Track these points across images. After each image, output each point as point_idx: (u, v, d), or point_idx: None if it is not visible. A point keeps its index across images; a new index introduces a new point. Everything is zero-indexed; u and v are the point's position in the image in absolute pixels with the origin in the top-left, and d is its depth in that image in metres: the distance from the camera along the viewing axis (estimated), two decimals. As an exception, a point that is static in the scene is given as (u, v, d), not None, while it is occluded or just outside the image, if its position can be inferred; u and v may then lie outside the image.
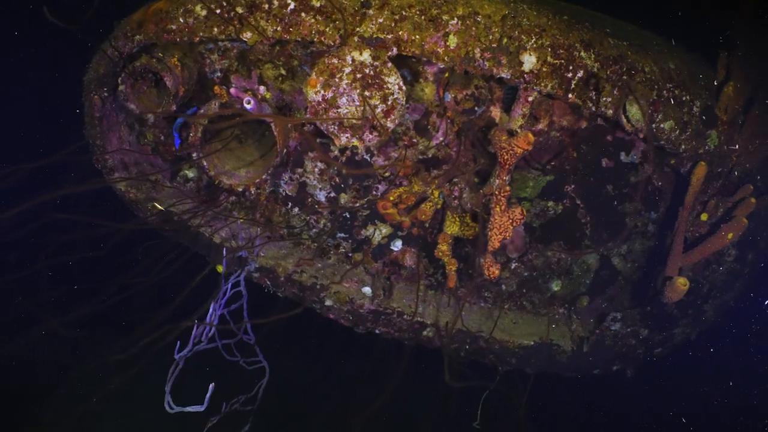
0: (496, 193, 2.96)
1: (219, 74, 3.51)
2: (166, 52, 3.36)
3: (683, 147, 3.17)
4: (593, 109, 3.08)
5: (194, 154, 3.47)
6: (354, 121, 3.03)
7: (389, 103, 3.03)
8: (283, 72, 3.40)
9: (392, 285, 3.72)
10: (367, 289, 3.62)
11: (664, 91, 3.12)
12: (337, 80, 2.98)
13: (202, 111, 3.35)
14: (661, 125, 3.15)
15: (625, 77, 3.08)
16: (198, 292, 4.22)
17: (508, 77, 3.02)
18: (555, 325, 3.76)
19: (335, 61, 2.97)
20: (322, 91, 3.02)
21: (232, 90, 3.24)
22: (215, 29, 3.10)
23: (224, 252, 3.38)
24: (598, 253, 3.66)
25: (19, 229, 3.15)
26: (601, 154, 3.45)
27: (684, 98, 3.17)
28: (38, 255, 3.45)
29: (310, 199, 3.66)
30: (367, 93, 2.98)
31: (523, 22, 3.00)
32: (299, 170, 3.60)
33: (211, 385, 2.91)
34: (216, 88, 3.28)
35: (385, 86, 3.00)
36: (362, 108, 3.00)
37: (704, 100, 3.21)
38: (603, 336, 3.61)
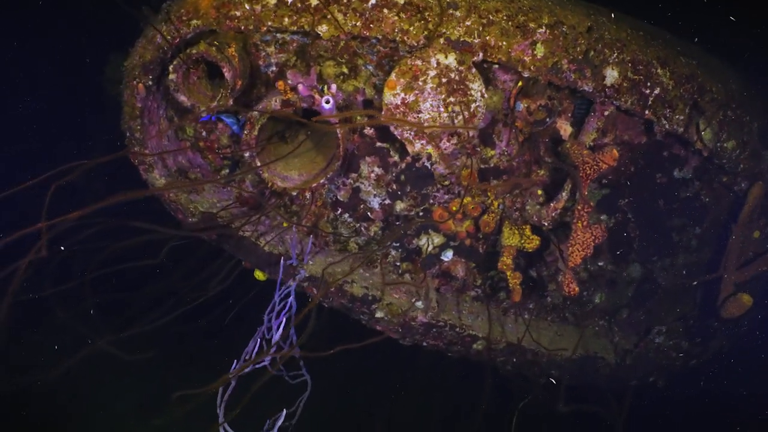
0: (579, 208, 2.91)
1: (274, 68, 3.27)
2: (221, 41, 3.08)
3: (742, 166, 3.25)
4: (666, 126, 3.10)
5: (246, 153, 3.21)
6: (435, 128, 2.90)
7: (471, 110, 2.93)
8: (345, 70, 3.21)
9: (442, 297, 3.60)
10: (419, 303, 3.48)
11: (729, 111, 3.19)
12: (420, 83, 2.84)
13: (260, 107, 3.10)
14: (725, 144, 3.21)
15: (696, 96, 3.11)
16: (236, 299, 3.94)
17: (590, 90, 2.99)
18: (597, 338, 3.76)
19: (419, 62, 2.83)
20: (402, 94, 2.87)
21: (300, 87, 3.02)
22: (286, 19, 2.89)
23: (282, 261, 3.15)
24: (641, 266, 3.70)
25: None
26: (656, 169, 3.48)
27: (744, 118, 3.25)
28: (77, 264, 3.07)
29: (362, 206, 3.48)
30: (451, 99, 2.86)
31: (605, 36, 2.98)
32: (354, 175, 3.41)
33: (283, 412, 2.68)
34: (280, 83, 3.05)
35: (468, 93, 2.89)
36: (446, 114, 2.87)
37: (762, 120, 3.31)
38: (647, 348, 3.66)
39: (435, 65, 2.83)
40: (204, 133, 3.51)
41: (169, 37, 3.01)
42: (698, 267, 3.71)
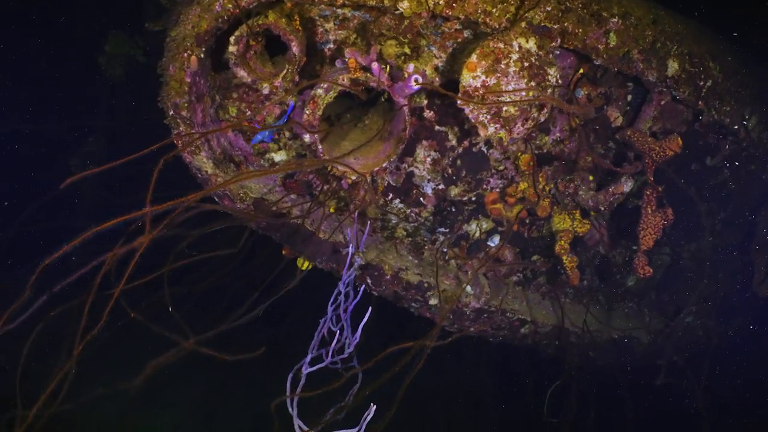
0: (648, 193, 3.04)
1: (331, 46, 3.17)
2: (282, 14, 2.93)
3: (774, 155, 3.50)
4: (715, 116, 3.28)
5: (307, 136, 3.09)
6: (513, 111, 2.92)
7: (547, 93, 2.95)
8: (407, 51, 3.16)
9: (491, 282, 3.64)
10: (469, 288, 3.50)
11: (764, 106, 3.43)
12: (503, 66, 2.85)
13: (325, 86, 2.99)
14: (761, 135, 3.44)
15: (740, 89, 3.32)
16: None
17: (653, 80, 3.10)
18: (628, 319, 3.95)
19: (501, 45, 2.84)
20: (483, 77, 2.87)
21: (374, 66, 2.93)
22: (364, -10, 2.78)
23: (350, 249, 3.06)
24: (671, 249, 3.92)
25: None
26: (692, 157, 3.68)
27: (779, 112, 3.49)
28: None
29: (415, 191, 3.45)
30: (532, 83, 2.88)
31: (666, 28, 3.11)
32: (409, 159, 3.37)
33: (373, 407, 2.61)
34: (351, 61, 2.95)
35: (546, 78, 2.93)
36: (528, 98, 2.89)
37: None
38: (677, 328, 3.88)
39: (517, 49, 2.84)
40: (249, 113, 3.34)
41: (230, 6, 2.82)
42: (722, 250, 3.97)
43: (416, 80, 2.87)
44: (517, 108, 2.92)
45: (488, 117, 2.98)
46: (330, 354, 2.77)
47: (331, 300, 3.09)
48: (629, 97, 3.47)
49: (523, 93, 2.90)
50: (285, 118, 3.21)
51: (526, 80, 2.89)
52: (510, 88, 2.89)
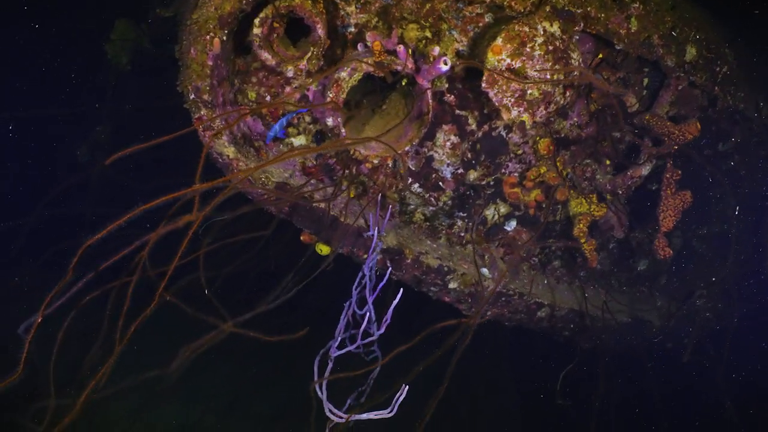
0: (668, 176, 3.10)
1: (353, 29, 3.18)
2: (307, -3, 2.93)
3: (785, 141, 3.58)
4: (730, 101, 3.34)
5: (330, 120, 3.10)
6: (537, 94, 2.95)
7: (569, 79, 2.99)
8: (429, 35, 3.18)
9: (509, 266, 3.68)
10: (485, 270, 3.54)
11: (778, 91, 3.50)
12: (528, 50, 2.88)
13: (349, 69, 3.00)
14: (774, 120, 3.51)
15: (754, 74, 3.38)
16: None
17: (672, 66, 3.16)
18: (640, 303, 4.02)
19: (526, 29, 2.87)
20: (509, 60, 2.90)
21: (399, 49, 2.95)
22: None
23: (374, 233, 3.08)
24: (682, 234, 3.98)
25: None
26: (704, 143, 3.74)
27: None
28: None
29: (434, 175, 3.47)
30: (557, 67, 2.92)
31: (684, 14, 3.16)
32: (429, 143, 3.40)
33: (405, 387, 2.64)
34: (377, 44, 2.96)
35: (570, 62, 2.96)
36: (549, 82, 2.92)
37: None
38: (689, 312, 3.96)
39: (542, 33, 2.88)
40: (268, 98, 3.34)
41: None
42: (731, 235, 4.04)
43: (445, 61, 2.88)
44: (541, 92, 2.96)
45: (512, 100, 3.01)
46: (360, 336, 2.79)
47: (355, 283, 3.11)
48: (645, 82, 3.52)
49: (548, 77, 2.94)
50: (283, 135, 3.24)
51: (550, 64, 2.93)
52: (535, 71, 2.92)
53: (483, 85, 2.98)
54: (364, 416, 2.69)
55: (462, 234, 3.69)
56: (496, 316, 3.73)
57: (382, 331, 2.77)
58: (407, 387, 2.64)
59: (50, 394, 2.40)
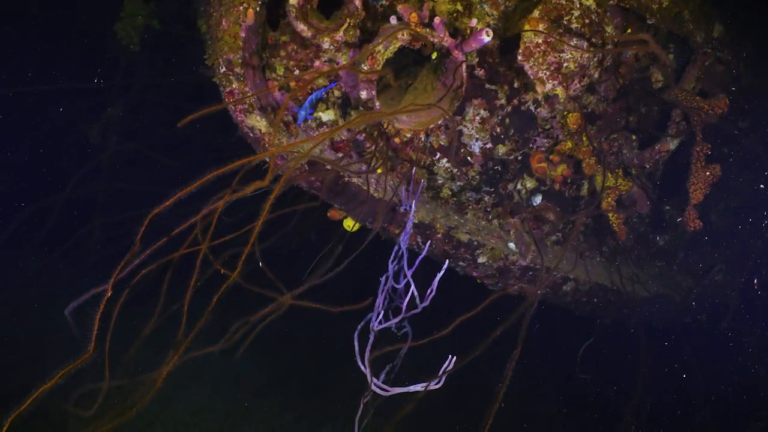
0: (697, 150, 3.15)
1: (383, 2, 3.17)
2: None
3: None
4: (752, 79, 3.39)
5: (364, 92, 3.10)
6: (573, 67, 2.98)
7: (604, 53, 3.02)
8: (460, 8, 3.20)
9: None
10: (512, 245, 3.58)
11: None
12: (565, 23, 2.89)
13: (383, 41, 2.99)
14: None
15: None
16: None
17: (701, 41, 3.20)
18: (660, 278, 4.09)
19: (563, 2, 2.89)
20: (546, 32, 2.90)
21: (436, 21, 2.95)
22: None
23: (411, 206, 3.10)
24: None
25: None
26: (726, 119, 3.80)
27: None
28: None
29: (463, 150, 3.49)
30: (593, 40, 2.94)
31: (712, -9, 3.19)
32: (458, 118, 3.41)
33: (452, 358, 2.65)
34: (413, 15, 2.96)
35: (604, 35, 2.99)
36: (587, 56, 2.95)
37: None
38: (708, 286, 4.03)
39: (578, 6, 2.90)
40: (297, 72, 3.32)
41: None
42: (747, 209, 4.12)
43: (488, 32, 2.89)
44: (577, 65, 2.98)
45: (547, 73, 3.04)
46: (404, 309, 2.80)
47: (391, 257, 3.12)
48: (671, 58, 3.56)
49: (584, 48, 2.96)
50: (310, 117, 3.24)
51: (588, 36, 2.95)
52: (571, 44, 2.95)
53: (519, 57, 3.00)
54: (411, 388, 2.71)
55: (488, 209, 3.72)
56: (521, 291, 3.77)
57: (426, 303, 2.78)
58: (455, 358, 2.66)
59: (103, 378, 2.37)
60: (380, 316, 2.95)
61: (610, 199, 3.51)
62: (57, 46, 5.40)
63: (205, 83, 3.63)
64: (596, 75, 3.12)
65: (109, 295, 1.90)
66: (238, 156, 2.66)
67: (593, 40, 2.96)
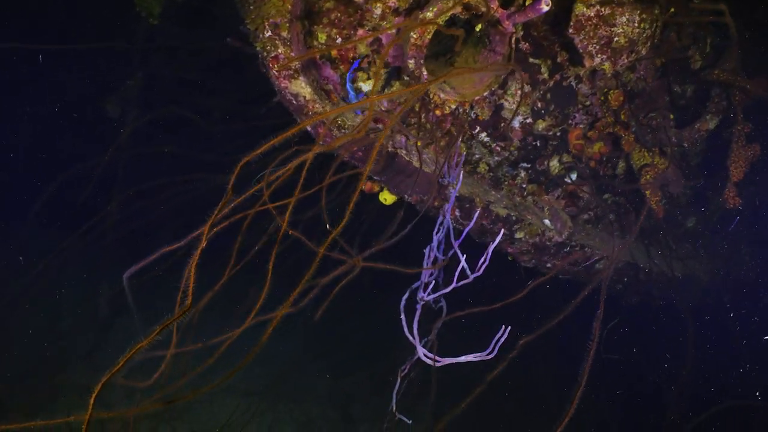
0: (738, 128, 3.17)
1: (431, -26, 3.13)
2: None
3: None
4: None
5: (412, 61, 3.08)
6: (623, 42, 2.98)
7: (653, 28, 3.03)
8: (508, -19, 3.16)
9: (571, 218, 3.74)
10: (547, 221, 3.59)
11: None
12: (618, -4, 2.88)
13: (435, 10, 2.97)
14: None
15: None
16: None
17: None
18: (688, 260, 4.13)
19: (616, -25, 2.87)
20: (598, 6, 2.91)
21: (490, -9, 2.93)
22: None
23: (457, 178, 3.09)
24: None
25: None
26: (758, 101, 3.83)
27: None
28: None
29: (503, 124, 3.49)
30: (644, 16, 2.95)
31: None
32: (499, 91, 3.41)
33: (506, 328, 2.65)
34: (467, -15, 2.94)
35: (653, 12, 2.99)
36: (638, 30, 2.96)
37: None
38: (735, 268, 4.08)
39: (630, -22, 2.89)
40: (339, 40, 3.29)
41: None
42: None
43: (547, 2, 2.88)
44: (627, 39, 2.99)
45: (597, 47, 3.04)
46: (455, 279, 2.79)
47: (436, 228, 3.12)
48: (709, 39, 3.58)
49: (635, 25, 2.97)
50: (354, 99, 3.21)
51: (639, 12, 2.95)
52: (624, 19, 2.95)
53: (570, 30, 3.00)
54: (462, 359, 2.71)
55: (524, 185, 3.72)
56: (555, 268, 3.79)
57: (479, 273, 2.77)
58: (509, 328, 2.66)
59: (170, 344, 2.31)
60: (429, 287, 2.95)
61: (648, 176, 3.54)
62: (78, 18, 5.30)
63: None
64: (643, 51, 3.13)
65: (204, 245, 1.86)
66: (274, 124, 2.63)
67: (643, 15, 2.97)
